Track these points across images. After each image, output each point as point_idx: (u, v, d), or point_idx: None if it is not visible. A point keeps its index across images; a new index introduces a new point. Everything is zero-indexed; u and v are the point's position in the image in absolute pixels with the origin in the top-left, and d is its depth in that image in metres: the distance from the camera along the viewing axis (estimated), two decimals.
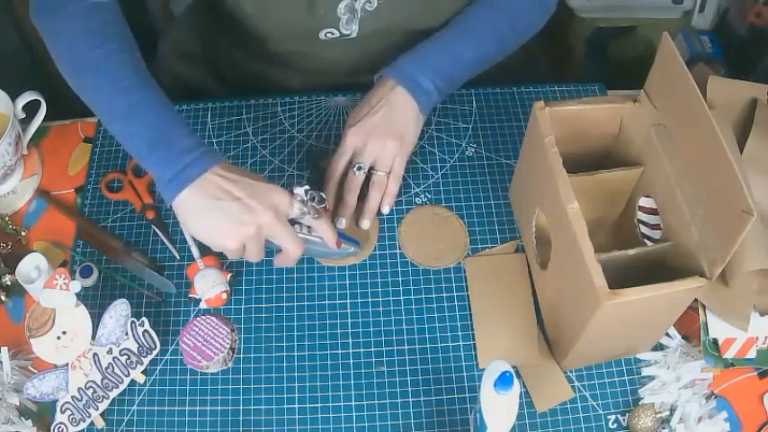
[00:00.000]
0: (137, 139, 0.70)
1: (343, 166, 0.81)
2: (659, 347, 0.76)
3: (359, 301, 0.80)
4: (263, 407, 0.74)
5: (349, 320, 0.79)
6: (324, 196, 0.74)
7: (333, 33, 0.86)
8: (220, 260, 0.81)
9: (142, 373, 0.75)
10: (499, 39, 0.86)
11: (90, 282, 0.81)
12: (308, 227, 0.76)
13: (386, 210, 0.84)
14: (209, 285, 0.78)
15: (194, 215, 0.69)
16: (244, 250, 0.71)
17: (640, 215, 0.76)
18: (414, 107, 0.81)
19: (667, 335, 0.76)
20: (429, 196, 0.87)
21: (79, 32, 0.72)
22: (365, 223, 0.83)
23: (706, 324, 0.73)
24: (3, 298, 0.81)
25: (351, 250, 0.80)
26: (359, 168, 0.81)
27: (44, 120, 0.90)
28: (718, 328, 0.73)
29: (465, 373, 0.76)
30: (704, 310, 0.73)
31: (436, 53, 0.83)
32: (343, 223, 0.82)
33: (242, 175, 0.70)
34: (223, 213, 0.68)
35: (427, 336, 0.78)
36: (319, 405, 0.74)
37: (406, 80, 0.81)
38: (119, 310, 0.75)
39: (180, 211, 0.70)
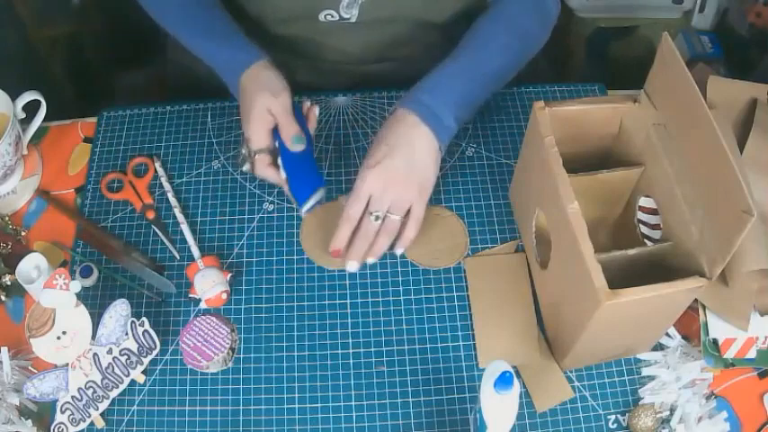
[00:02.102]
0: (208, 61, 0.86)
1: (360, 212, 0.77)
2: (659, 347, 0.76)
3: (359, 301, 0.80)
4: (263, 407, 0.74)
5: (349, 320, 0.79)
6: (243, 160, 0.81)
7: (332, 16, 0.85)
8: (220, 260, 0.82)
9: (142, 373, 0.75)
10: (515, 62, 0.85)
11: (90, 282, 0.81)
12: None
13: (399, 251, 0.80)
14: (209, 285, 0.78)
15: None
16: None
17: (640, 215, 0.76)
18: (435, 148, 0.78)
19: (667, 335, 0.76)
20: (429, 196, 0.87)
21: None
22: (370, 260, 0.79)
23: (706, 324, 0.73)
24: (3, 298, 0.81)
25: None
26: (376, 218, 0.77)
27: (44, 120, 0.90)
28: (718, 328, 0.73)
29: (465, 373, 0.76)
30: (704, 310, 0.73)
31: (458, 84, 0.80)
32: (354, 267, 0.79)
33: (252, 91, 0.79)
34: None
35: (427, 336, 0.78)
36: (319, 405, 0.74)
37: (429, 118, 0.78)
38: (119, 310, 0.75)
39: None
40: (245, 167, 0.81)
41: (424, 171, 0.78)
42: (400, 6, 0.85)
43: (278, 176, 0.81)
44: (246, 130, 0.80)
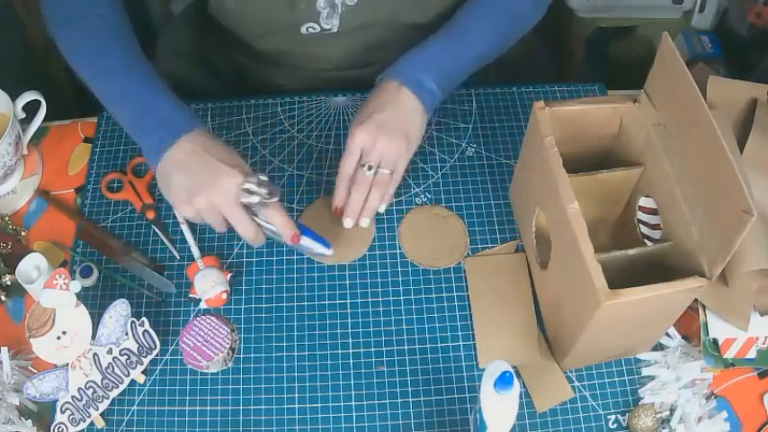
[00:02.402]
0: (128, 124, 0.79)
1: (353, 167, 0.80)
2: (659, 347, 0.76)
3: (359, 301, 0.80)
4: (263, 407, 0.74)
5: (349, 320, 0.79)
6: (273, 191, 0.74)
7: (314, 28, 0.85)
8: (220, 260, 0.82)
9: (142, 373, 0.75)
10: (497, 35, 0.85)
11: (90, 282, 0.81)
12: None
13: (382, 209, 0.82)
14: (209, 285, 0.78)
15: (163, 181, 0.75)
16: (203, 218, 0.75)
17: (640, 215, 0.76)
18: (419, 107, 0.80)
19: (667, 335, 0.76)
20: (429, 196, 0.87)
21: (89, 47, 0.80)
22: (365, 221, 0.82)
23: (706, 324, 0.73)
24: (3, 298, 0.81)
25: (319, 250, 0.79)
26: (369, 168, 0.79)
27: (44, 120, 0.90)
28: (718, 328, 0.73)
29: (465, 373, 0.76)
30: (704, 310, 0.73)
31: (437, 53, 0.82)
32: (350, 224, 0.81)
33: (206, 149, 0.73)
34: (181, 183, 0.73)
35: (427, 336, 0.78)
36: (319, 405, 0.74)
37: (410, 81, 0.80)
38: (119, 310, 0.75)
39: (158, 176, 0.76)
40: (263, 192, 0.73)
41: (411, 125, 0.80)
42: (381, 12, 0.85)
43: (292, 225, 0.76)
44: (241, 165, 0.74)
